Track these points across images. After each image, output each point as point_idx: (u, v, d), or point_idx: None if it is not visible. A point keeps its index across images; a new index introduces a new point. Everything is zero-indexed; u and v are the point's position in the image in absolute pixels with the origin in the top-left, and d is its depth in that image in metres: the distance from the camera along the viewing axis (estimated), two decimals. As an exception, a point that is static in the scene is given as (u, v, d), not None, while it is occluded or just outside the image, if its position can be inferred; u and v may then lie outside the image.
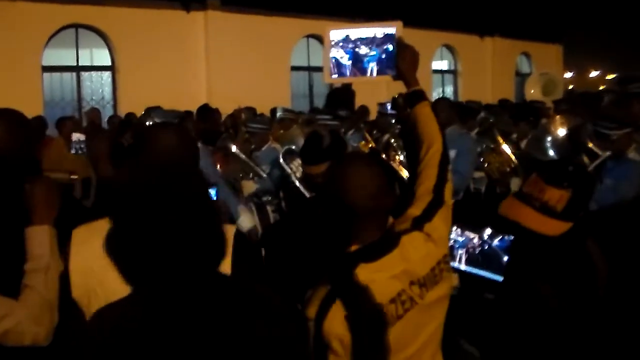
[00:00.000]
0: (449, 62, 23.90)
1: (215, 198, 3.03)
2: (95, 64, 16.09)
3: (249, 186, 6.77)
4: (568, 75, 46.90)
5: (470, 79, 23.12)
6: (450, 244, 3.09)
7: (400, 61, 2.85)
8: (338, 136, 3.19)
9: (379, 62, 2.90)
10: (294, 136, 6.54)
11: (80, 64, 15.63)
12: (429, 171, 2.60)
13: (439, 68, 23.38)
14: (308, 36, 19.09)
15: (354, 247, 2.28)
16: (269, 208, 6.66)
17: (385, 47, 2.89)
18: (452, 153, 6.44)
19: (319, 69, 19.32)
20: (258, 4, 16.72)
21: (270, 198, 6.71)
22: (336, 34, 2.97)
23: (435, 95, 22.48)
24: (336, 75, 2.99)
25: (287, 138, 6.74)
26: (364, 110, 11.95)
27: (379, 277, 2.23)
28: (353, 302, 2.16)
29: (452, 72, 23.84)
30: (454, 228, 3.46)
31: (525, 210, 2.64)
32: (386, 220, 2.38)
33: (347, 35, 2.94)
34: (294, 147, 6.25)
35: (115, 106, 15.52)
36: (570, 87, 44.04)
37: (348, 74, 2.95)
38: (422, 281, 2.31)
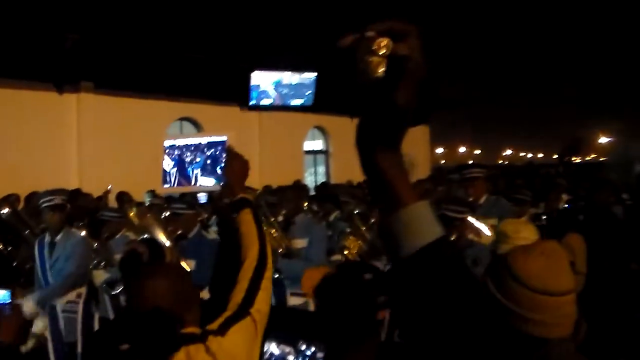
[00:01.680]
0: (322, 142, 24.64)
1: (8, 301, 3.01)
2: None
3: (99, 275, 6.75)
4: (440, 150, 48.81)
5: (341, 159, 23.82)
6: (267, 358, 3.30)
7: (228, 169, 2.87)
8: (157, 246, 3.25)
9: (204, 168, 2.92)
10: (148, 225, 6.62)
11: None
12: (242, 283, 2.63)
13: (311, 149, 24.05)
14: (181, 119, 19.35)
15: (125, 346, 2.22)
16: (122, 299, 6.57)
17: (210, 153, 2.91)
18: (304, 241, 6.77)
19: (192, 150, 19.54)
20: (131, 87, 16.83)
21: (122, 288, 6.69)
22: (168, 143, 3.00)
23: (307, 175, 23.08)
24: (167, 185, 2.99)
25: (142, 227, 6.81)
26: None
27: None
28: None
29: (324, 152, 24.55)
30: (271, 343, 3.56)
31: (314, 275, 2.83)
32: (171, 328, 2.34)
33: (175, 144, 2.97)
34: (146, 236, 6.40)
35: (-17, 188, 15.18)
36: (442, 162, 45.63)
37: (174, 183, 2.96)
38: None
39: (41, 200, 6.61)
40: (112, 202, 12.45)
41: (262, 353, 2.77)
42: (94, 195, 12.68)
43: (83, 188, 13.88)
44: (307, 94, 1.68)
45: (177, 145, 2.95)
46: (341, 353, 2.63)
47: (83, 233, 6.99)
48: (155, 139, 15.08)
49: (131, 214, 7.89)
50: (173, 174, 2.93)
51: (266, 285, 2.66)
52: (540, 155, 58.47)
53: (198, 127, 19.68)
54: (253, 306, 2.56)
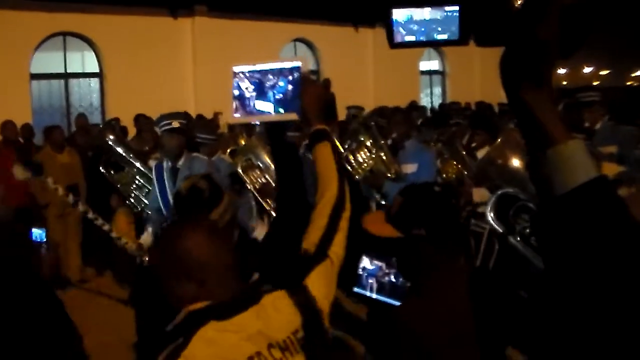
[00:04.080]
0: (438, 62, 23.99)
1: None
2: (84, 70, 16.24)
3: None
4: (561, 71, 46.85)
5: (458, 80, 23.22)
6: (360, 273, 3.09)
7: (304, 97, 2.57)
8: (215, 184, 2.91)
9: (285, 95, 2.62)
10: (253, 147, 6.44)
11: (68, 71, 15.82)
12: (319, 221, 2.42)
13: (427, 69, 23.49)
14: (295, 40, 19.27)
15: (200, 304, 2.05)
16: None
17: (292, 78, 2.62)
18: (413, 167, 6.52)
19: (306, 73, 19.52)
20: (245, 9, 16.85)
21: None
22: (241, 69, 2.70)
23: (423, 96, 22.64)
24: (238, 115, 2.70)
25: (247, 149, 6.62)
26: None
27: (229, 337, 2.03)
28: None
29: (441, 72, 23.96)
30: (364, 258, 3.39)
31: (374, 215, 2.72)
32: (238, 277, 2.16)
33: (254, 69, 2.66)
34: (252, 158, 6.27)
35: (103, 112, 15.66)
36: (564, 83, 43.93)
37: (252, 110, 2.65)
38: (284, 345, 2.09)
39: (160, 124, 6.45)
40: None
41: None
42: (209, 117, 12.80)
43: (199, 110, 14.06)
44: (451, 28, 1.47)
45: (257, 70, 2.64)
46: (433, 269, 2.54)
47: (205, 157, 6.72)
48: (269, 60, 15.31)
49: (241, 139, 7.81)
50: (251, 98, 2.62)
51: (344, 226, 2.44)
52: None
53: (312, 48, 19.64)
54: (331, 248, 2.36)
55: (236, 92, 2.66)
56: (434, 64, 23.88)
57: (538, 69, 1.13)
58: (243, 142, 7.49)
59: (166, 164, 6.45)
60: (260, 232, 6.13)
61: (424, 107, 17.27)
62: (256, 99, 2.62)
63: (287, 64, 2.62)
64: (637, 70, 55.08)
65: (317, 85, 2.63)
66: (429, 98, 23.35)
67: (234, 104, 2.67)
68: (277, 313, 2.11)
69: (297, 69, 2.60)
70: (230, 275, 2.11)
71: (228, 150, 7.57)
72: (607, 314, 1.06)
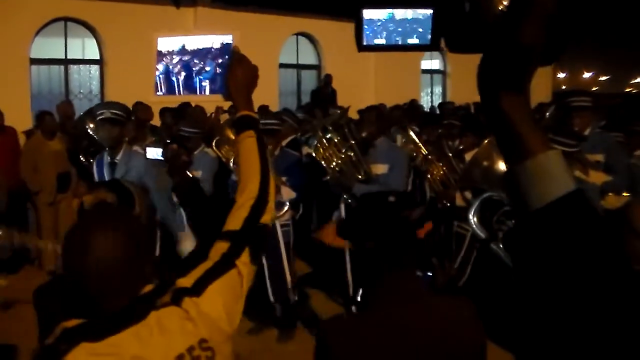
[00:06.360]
0: (439, 61, 23.86)
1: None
2: (85, 57, 16.11)
3: None
4: (561, 75, 46.72)
5: (459, 80, 23.10)
6: None
7: (231, 77, 2.33)
8: (124, 190, 2.60)
9: (213, 80, 2.42)
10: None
11: (68, 57, 15.70)
12: (232, 225, 2.11)
13: (429, 68, 23.37)
14: (297, 34, 19.19)
15: (74, 322, 1.80)
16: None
17: (221, 60, 2.42)
18: (384, 167, 6.43)
19: (307, 67, 19.40)
20: (248, 1, 16.77)
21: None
22: (169, 43, 2.50)
23: (423, 95, 22.56)
24: (161, 93, 2.49)
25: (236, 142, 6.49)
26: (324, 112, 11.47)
27: None
28: None
29: (442, 72, 23.83)
30: None
31: (330, 228, 2.57)
32: (135, 289, 1.87)
33: (184, 45, 2.44)
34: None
35: (102, 100, 15.54)
36: (563, 87, 43.85)
37: (178, 92, 2.45)
38: None
39: (96, 113, 6.20)
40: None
41: None
42: (207, 111, 12.70)
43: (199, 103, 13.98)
44: (423, 32, 1.43)
45: (187, 50, 2.44)
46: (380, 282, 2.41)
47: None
48: (270, 54, 15.09)
49: (227, 130, 7.70)
50: (180, 82, 2.41)
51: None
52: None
53: (314, 43, 19.52)
54: (240, 257, 2.03)
55: (171, 69, 2.47)
56: (435, 63, 23.75)
57: (520, 75, 1.09)
58: (228, 130, 7.34)
59: (106, 158, 6.23)
60: (186, 245, 6.08)
61: (420, 106, 17.16)
62: (184, 81, 2.43)
63: (218, 41, 2.41)
64: (637, 77, 54.88)
65: (248, 64, 2.38)
66: (429, 97, 23.27)
67: (159, 81, 2.47)
68: (161, 334, 1.82)
69: (228, 46, 2.39)
70: (119, 289, 1.83)
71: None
72: (587, 330, 1.03)
